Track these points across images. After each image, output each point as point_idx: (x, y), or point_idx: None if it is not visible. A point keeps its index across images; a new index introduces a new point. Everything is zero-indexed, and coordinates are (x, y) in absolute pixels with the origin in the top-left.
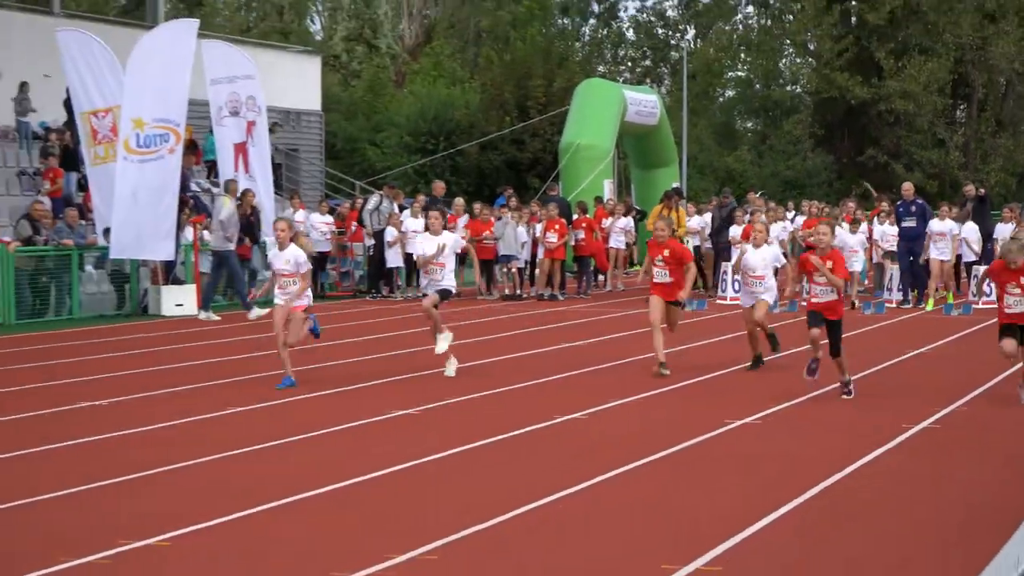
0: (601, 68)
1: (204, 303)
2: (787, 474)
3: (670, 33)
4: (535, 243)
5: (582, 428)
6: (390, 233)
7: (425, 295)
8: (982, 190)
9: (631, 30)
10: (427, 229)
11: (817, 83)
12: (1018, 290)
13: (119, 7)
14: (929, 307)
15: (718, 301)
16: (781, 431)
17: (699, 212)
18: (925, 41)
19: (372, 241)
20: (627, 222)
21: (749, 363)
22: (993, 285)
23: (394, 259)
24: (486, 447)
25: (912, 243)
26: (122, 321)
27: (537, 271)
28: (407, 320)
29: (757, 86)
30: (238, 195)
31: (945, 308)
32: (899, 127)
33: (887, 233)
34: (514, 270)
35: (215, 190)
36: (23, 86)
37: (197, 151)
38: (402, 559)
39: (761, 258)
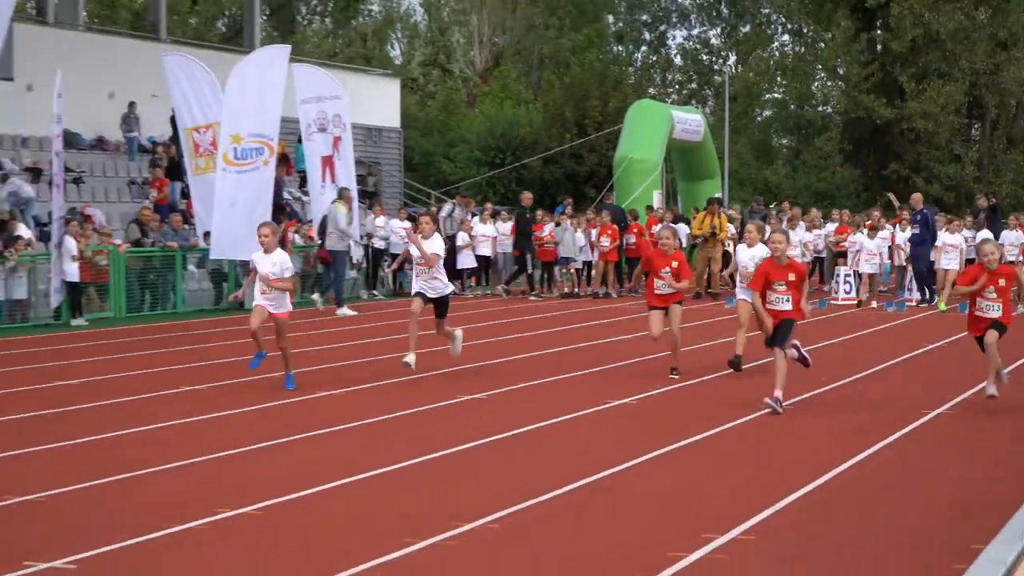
0: (651, 90)
1: (338, 301)
2: (791, 469)
3: (713, 59)
4: (591, 246)
5: (596, 423)
6: (461, 238)
7: (417, 294)
8: (993, 199)
9: (678, 56)
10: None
11: (846, 104)
12: (994, 294)
13: (219, 34)
14: (942, 307)
15: None
16: (786, 428)
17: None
18: (943, 67)
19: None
20: (675, 229)
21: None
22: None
23: (465, 260)
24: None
25: (916, 248)
26: (220, 315)
27: (593, 272)
28: (474, 315)
29: (792, 107)
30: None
31: (960, 307)
32: (919, 144)
33: (907, 239)
34: (572, 271)
35: (305, 198)
36: (131, 105)
37: (288, 163)
38: (423, 544)
39: (750, 257)
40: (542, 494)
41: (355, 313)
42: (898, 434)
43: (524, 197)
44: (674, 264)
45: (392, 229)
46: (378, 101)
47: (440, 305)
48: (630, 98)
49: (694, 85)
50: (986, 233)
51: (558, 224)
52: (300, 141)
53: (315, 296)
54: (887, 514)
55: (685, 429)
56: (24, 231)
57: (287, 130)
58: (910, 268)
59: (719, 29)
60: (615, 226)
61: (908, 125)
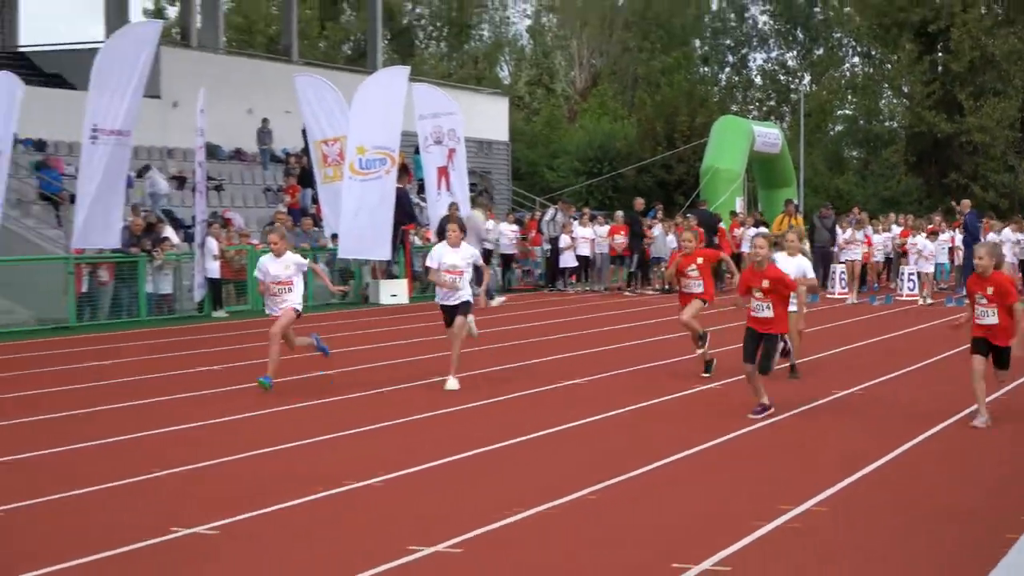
0: (734, 107)
1: (489, 293)
2: (853, 453)
3: (790, 79)
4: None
5: (655, 415)
6: (564, 240)
7: (443, 306)
8: None
9: (758, 77)
10: (445, 240)
11: (910, 119)
12: (985, 300)
13: (345, 56)
14: None
15: (827, 295)
16: (840, 416)
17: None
18: (998, 85)
19: (549, 245)
20: (755, 231)
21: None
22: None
23: (567, 260)
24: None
25: (967, 250)
26: (347, 309)
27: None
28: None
29: (861, 122)
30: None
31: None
32: (976, 155)
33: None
34: (663, 269)
35: (422, 204)
36: (265, 121)
37: (408, 173)
38: (472, 534)
39: (795, 266)
40: (624, 473)
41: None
42: (951, 420)
43: (637, 202)
44: (699, 260)
45: (501, 232)
46: (488, 117)
47: (461, 308)
48: (715, 114)
49: (773, 102)
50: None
51: (650, 227)
52: (418, 152)
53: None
54: (944, 488)
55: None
56: (170, 232)
57: (407, 143)
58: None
59: (795, 52)
60: (700, 229)
61: (966, 138)
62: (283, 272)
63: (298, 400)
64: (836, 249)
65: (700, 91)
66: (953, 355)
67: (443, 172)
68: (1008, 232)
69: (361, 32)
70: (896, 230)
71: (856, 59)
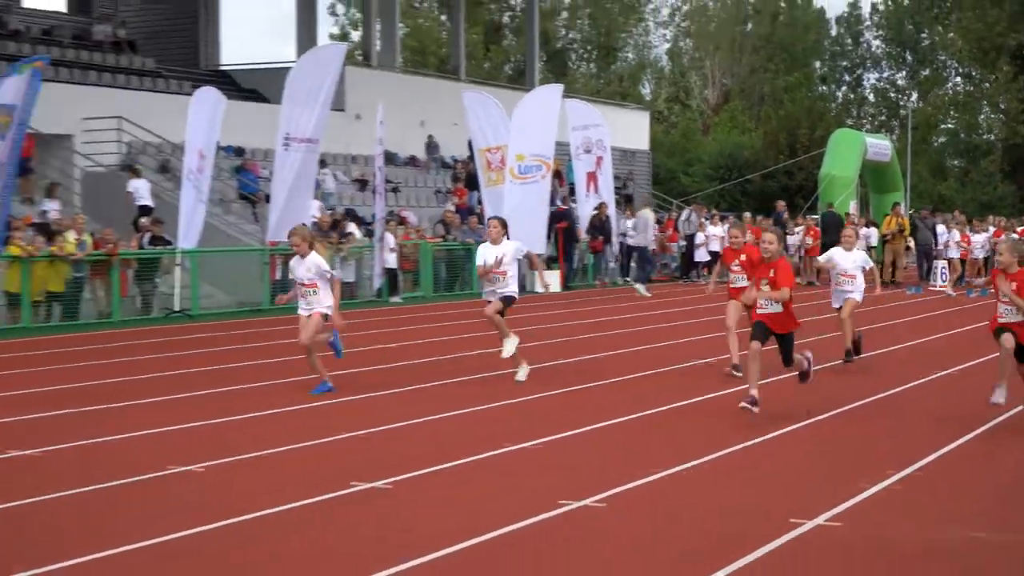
0: (848, 121)
1: (642, 281)
2: (936, 428)
3: (899, 96)
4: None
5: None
6: (699, 237)
7: (489, 302)
8: None
9: (871, 94)
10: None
11: (1006, 133)
12: (1007, 298)
13: (507, 75)
14: None
15: (930, 288)
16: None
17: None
18: None
19: (684, 242)
20: (869, 231)
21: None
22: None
23: (700, 255)
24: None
25: None
26: None
27: (802, 265)
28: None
29: (961, 135)
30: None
31: None
32: None
33: None
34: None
35: (573, 204)
36: (431, 136)
37: (561, 177)
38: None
39: (852, 260)
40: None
41: (650, 295)
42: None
43: (779, 204)
44: (742, 257)
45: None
46: (631, 129)
47: (503, 302)
48: (832, 127)
49: (883, 117)
50: None
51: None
52: (570, 160)
53: (637, 286)
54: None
55: (829, 405)
56: (353, 228)
57: (560, 151)
58: None
59: (904, 72)
60: (817, 228)
61: None
62: (306, 275)
63: (472, 373)
64: (941, 247)
65: (819, 107)
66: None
67: (591, 177)
68: None
69: (520, 54)
70: (991, 231)
71: (958, 79)
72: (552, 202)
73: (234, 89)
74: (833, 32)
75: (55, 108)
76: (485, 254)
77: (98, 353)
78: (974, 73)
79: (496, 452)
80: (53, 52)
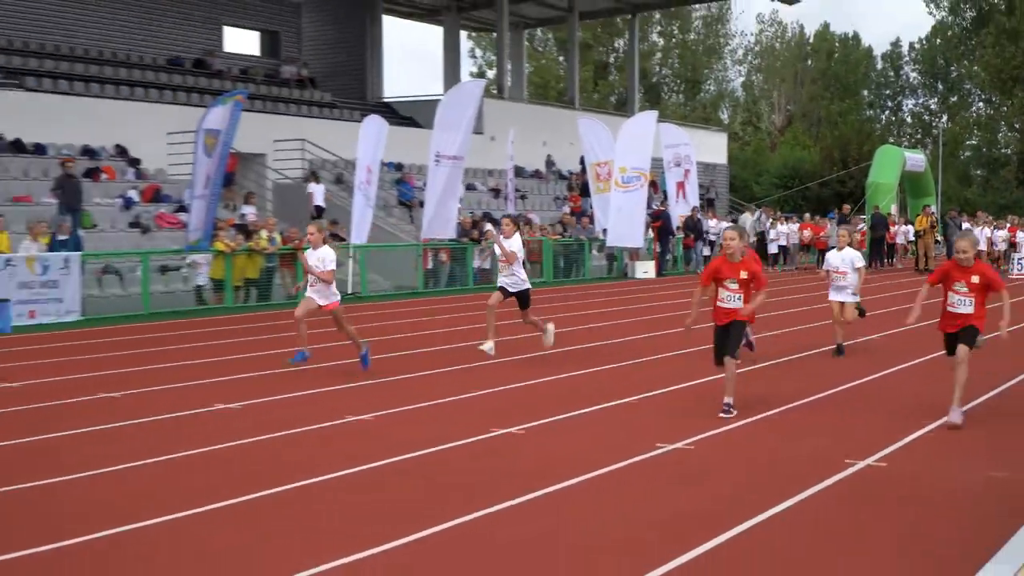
0: (890, 139)
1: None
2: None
3: (932, 119)
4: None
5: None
6: (771, 233)
7: (500, 287)
8: None
9: (909, 117)
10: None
11: (1021, 147)
12: (965, 289)
13: (612, 104)
14: None
15: None
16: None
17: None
18: None
19: (755, 238)
20: (907, 228)
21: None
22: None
23: (772, 248)
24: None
25: None
26: (611, 282)
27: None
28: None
29: (984, 150)
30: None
31: None
32: None
33: None
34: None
35: (666, 208)
36: (549, 156)
37: (656, 186)
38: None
39: (841, 259)
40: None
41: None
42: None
43: (845, 208)
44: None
45: (721, 228)
46: (712, 147)
47: (521, 298)
48: (876, 144)
49: (919, 135)
50: None
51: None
52: (663, 172)
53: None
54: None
55: (840, 379)
56: (490, 227)
57: (655, 165)
58: None
59: (936, 99)
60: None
61: None
62: (315, 263)
63: (583, 343)
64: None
65: (866, 127)
66: None
67: (680, 186)
68: None
69: (623, 87)
70: (1007, 228)
71: (981, 104)
72: (648, 206)
73: (394, 117)
74: (878, 66)
75: (251, 132)
76: (497, 246)
77: (287, 327)
78: (994, 99)
79: (598, 407)
80: (249, 87)
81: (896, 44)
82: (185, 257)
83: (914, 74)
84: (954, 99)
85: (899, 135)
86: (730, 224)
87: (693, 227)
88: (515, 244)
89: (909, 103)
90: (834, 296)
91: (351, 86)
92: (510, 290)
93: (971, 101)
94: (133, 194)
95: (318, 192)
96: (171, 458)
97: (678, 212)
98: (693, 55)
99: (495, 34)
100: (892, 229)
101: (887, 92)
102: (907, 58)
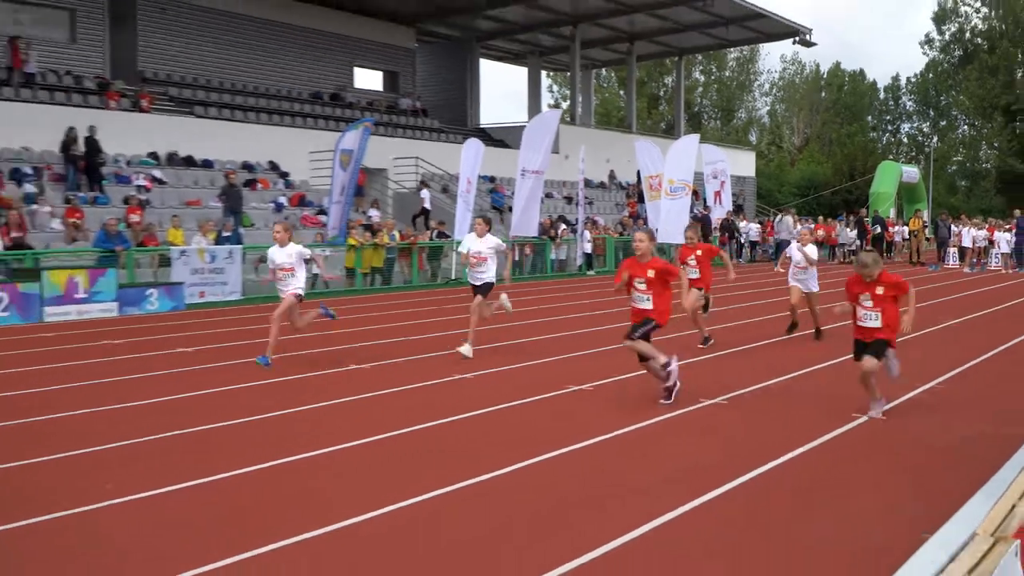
0: (890, 156)
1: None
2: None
3: (924, 139)
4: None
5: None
6: (795, 233)
7: (473, 286)
8: None
9: (905, 138)
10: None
11: (998, 163)
12: (870, 303)
13: (662, 128)
14: None
15: (945, 267)
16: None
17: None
18: None
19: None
20: (903, 229)
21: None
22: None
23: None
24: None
25: (1017, 239)
26: None
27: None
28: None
29: (968, 164)
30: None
31: None
32: None
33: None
34: (847, 250)
35: (705, 213)
36: (611, 171)
37: (698, 195)
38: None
39: (803, 254)
40: (814, 365)
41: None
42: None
43: (860, 211)
44: (698, 253)
45: (751, 228)
46: (743, 163)
47: (482, 289)
48: (878, 160)
49: (913, 153)
50: None
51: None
52: (704, 183)
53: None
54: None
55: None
56: (564, 226)
57: (697, 178)
58: None
59: (928, 123)
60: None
61: None
62: (286, 260)
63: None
64: (952, 239)
65: (870, 146)
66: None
67: (717, 194)
68: None
69: (671, 115)
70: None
71: (965, 127)
72: (691, 211)
73: (489, 140)
74: (881, 96)
75: (376, 152)
76: (469, 243)
77: (406, 305)
78: (976, 123)
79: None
80: (375, 116)
81: (896, 78)
82: (325, 250)
83: (910, 103)
84: (943, 123)
85: (897, 153)
86: (642, 227)
87: (728, 227)
88: (490, 242)
89: (905, 127)
90: (793, 281)
91: (455, 115)
92: (475, 284)
93: (957, 125)
94: (283, 200)
95: (426, 197)
96: (373, 396)
97: (715, 215)
98: (728, 89)
99: (569, 73)
100: (891, 229)
101: (887, 118)
102: (904, 90)
